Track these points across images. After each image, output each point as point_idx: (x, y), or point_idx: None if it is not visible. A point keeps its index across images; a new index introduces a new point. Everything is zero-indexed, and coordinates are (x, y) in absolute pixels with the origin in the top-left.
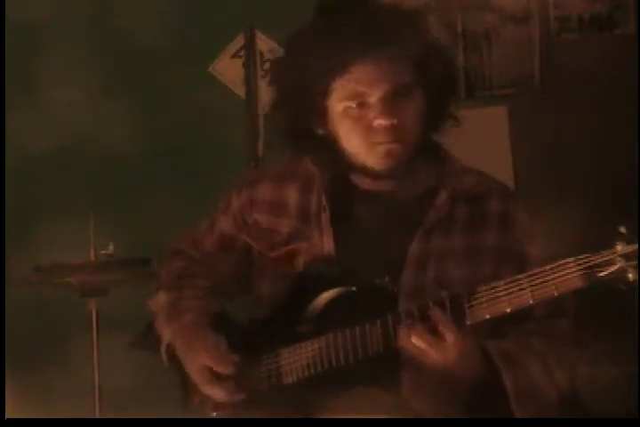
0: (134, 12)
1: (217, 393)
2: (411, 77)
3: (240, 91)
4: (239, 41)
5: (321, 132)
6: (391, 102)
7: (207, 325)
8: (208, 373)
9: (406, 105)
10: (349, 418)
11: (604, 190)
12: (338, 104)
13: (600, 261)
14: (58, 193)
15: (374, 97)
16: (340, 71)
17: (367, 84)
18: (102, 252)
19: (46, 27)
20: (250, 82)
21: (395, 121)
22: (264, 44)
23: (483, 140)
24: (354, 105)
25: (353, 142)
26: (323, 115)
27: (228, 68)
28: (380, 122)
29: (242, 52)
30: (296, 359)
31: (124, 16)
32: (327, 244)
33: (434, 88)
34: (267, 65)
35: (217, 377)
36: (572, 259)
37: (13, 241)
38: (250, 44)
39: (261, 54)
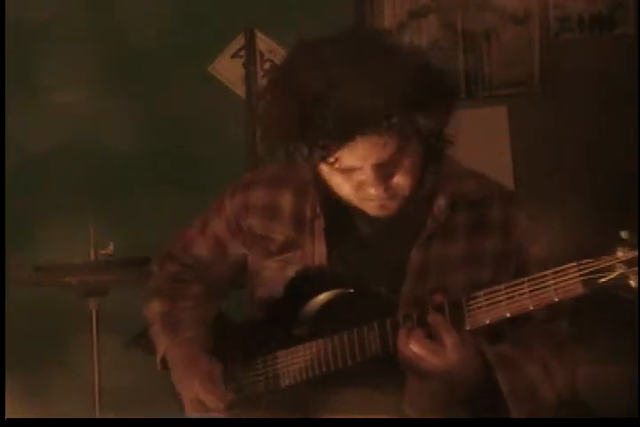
0: (134, 12)
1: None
2: (403, 140)
3: (240, 91)
4: (239, 41)
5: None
6: (383, 170)
7: (204, 344)
8: (200, 404)
9: (399, 165)
10: (349, 418)
11: (604, 191)
12: (325, 167)
13: (600, 267)
14: (58, 193)
15: (365, 167)
16: (325, 157)
17: (356, 161)
18: (102, 252)
19: (46, 27)
20: (250, 82)
21: (386, 186)
22: (264, 44)
23: (483, 141)
24: (347, 172)
25: (344, 192)
26: (312, 167)
27: (227, 68)
28: (372, 191)
29: (242, 52)
30: (293, 362)
31: (124, 16)
32: (319, 253)
33: (431, 126)
34: (267, 65)
35: (207, 409)
36: (572, 264)
37: (13, 241)
38: (250, 44)
39: (261, 54)
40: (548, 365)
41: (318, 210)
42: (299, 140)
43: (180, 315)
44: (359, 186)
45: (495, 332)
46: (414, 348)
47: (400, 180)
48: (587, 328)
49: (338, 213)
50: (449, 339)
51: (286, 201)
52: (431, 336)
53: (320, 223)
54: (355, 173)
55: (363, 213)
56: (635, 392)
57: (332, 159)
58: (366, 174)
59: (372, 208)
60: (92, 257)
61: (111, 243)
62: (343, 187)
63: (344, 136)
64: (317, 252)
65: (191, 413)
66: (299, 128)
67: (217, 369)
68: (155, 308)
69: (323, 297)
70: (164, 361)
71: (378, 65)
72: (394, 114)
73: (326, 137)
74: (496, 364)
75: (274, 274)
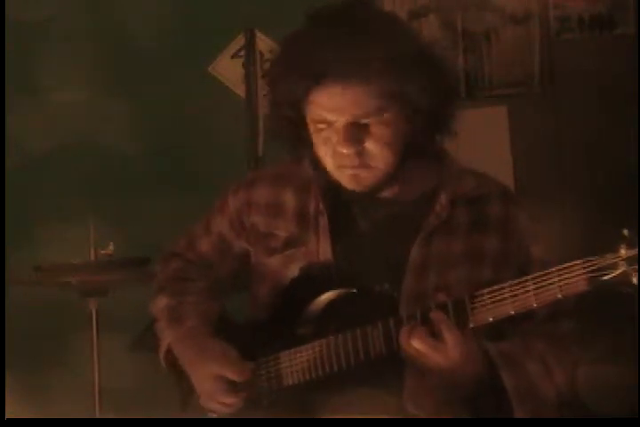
0: (134, 12)
1: (232, 402)
2: (381, 105)
3: (240, 91)
4: (239, 41)
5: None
6: (354, 130)
7: (211, 332)
8: (222, 382)
9: (374, 132)
10: (349, 418)
11: (604, 190)
12: (311, 123)
13: (604, 264)
14: (58, 193)
15: (338, 123)
16: (303, 96)
17: (330, 111)
18: (102, 252)
19: (46, 27)
20: (250, 82)
21: (357, 149)
22: (264, 44)
23: (483, 141)
24: (323, 126)
25: (325, 160)
26: (305, 127)
27: (228, 68)
28: (341, 150)
29: (242, 52)
30: (296, 362)
31: (124, 16)
32: (324, 249)
33: (422, 106)
34: (267, 65)
35: (231, 386)
36: (576, 262)
37: (13, 241)
38: (250, 44)
39: (261, 54)
40: (546, 362)
41: (321, 206)
42: (287, 76)
43: (185, 308)
44: (335, 150)
45: (496, 330)
46: (416, 345)
47: (373, 147)
48: (587, 328)
49: (339, 209)
50: (450, 336)
51: (289, 198)
52: (434, 334)
53: (324, 220)
54: (331, 132)
55: (363, 210)
56: (635, 392)
57: (311, 100)
58: (338, 132)
59: (347, 179)
60: (92, 257)
61: (111, 243)
62: (324, 153)
63: (317, 77)
64: (322, 248)
65: (212, 396)
66: (288, 65)
67: (229, 347)
68: (160, 304)
69: (326, 297)
70: (167, 355)
71: (379, 30)
72: (380, 66)
73: (304, 76)
74: (499, 361)
75: (277, 271)
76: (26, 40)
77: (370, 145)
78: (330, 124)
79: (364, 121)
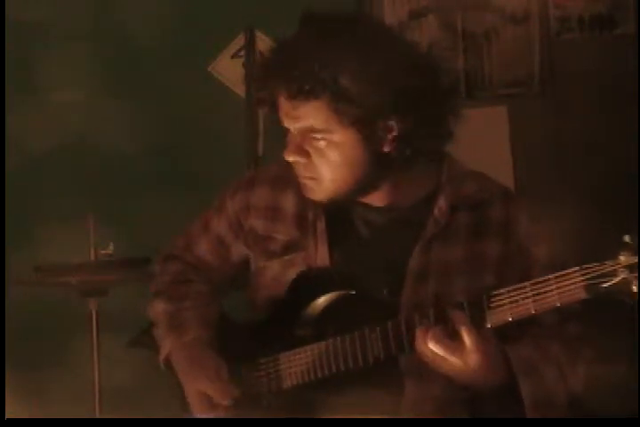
0: (134, 12)
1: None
2: (333, 124)
3: (240, 90)
4: (239, 41)
5: None
6: (301, 141)
7: (211, 340)
8: (205, 400)
9: (321, 149)
10: (349, 418)
11: (605, 190)
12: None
13: (603, 271)
14: (58, 193)
15: (290, 130)
16: (269, 101)
17: (284, 119)
18: (102, 252)
19: (46, 27)
20: (250, 82)
21: (302, 160)
22: (264, 44)
23: (483, 141)
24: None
25: None
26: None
27: (228, 68)
28: (289, 158)
29: (242, 52)
30: (295, 364)
31: (124, 16)
32: (322, 255)
33: (402, 125)
34: None
35: (213, 405)
36: (575, 268)
37: (13, 241)
38: (250, 44)
39: (261, 54)
40: (561, 365)
41: (319, 211)
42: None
43: (185, 315)
44: None
45: (506, 334)
46: (433, 347)
47: (319, 163)
48: (587, 328)
49: (339, 214)
50: (469, 337)
51: (289, 202)
52: (451, 335)
53: (322, 225)
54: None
55: (362, 215)
56: (635, 392)
57: (275, 105)
58: (288, 139)
59: (303, 187)
60: (92, 257)
61: (111, 243)
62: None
63: (277, 85)
64: (320, 253)
65: (197, 410)
66: (262, 71)
67: (223, 366)
68: (158, 308)
69: (325, 299)
70: (167, 361)
71: (361, 47)
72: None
73: (269, 82)
74: (517, 368)
75: (277, 275)
76: (26, 40)
77: (317, 160)
78: (287, 130)
79: (314, 135)
